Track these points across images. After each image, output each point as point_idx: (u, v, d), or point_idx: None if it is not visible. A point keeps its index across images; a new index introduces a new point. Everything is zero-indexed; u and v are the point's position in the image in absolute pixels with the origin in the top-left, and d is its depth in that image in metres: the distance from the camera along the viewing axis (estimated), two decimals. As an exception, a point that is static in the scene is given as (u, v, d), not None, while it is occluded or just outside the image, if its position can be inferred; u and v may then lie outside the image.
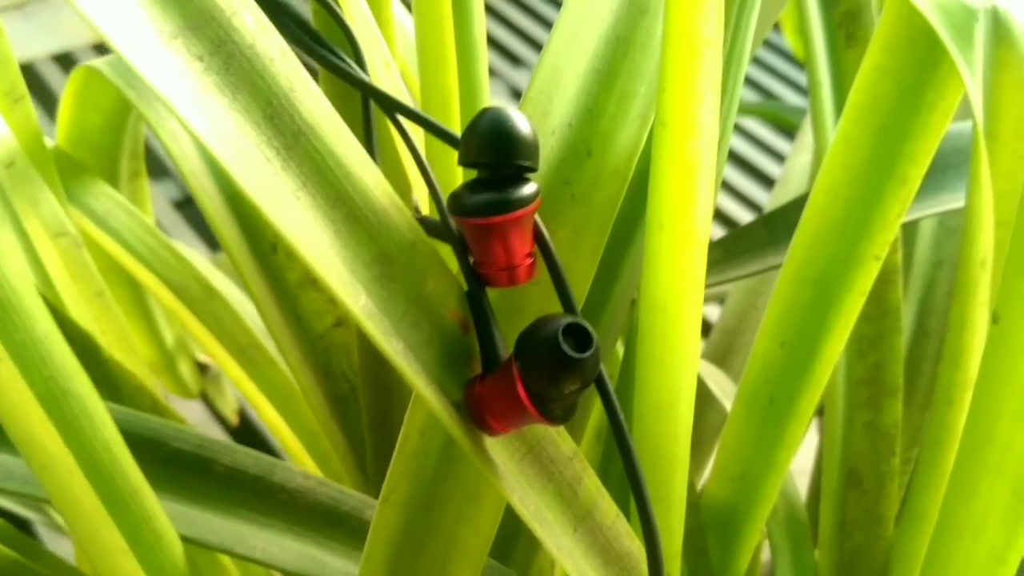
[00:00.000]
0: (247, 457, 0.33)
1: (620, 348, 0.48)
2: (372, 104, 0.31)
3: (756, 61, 1.45)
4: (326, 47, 0.30)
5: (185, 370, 0.73)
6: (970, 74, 0.37)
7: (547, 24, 1.46)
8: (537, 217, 0.28)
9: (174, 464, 0.32)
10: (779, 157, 1.26)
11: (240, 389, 0.52)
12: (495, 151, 0.26)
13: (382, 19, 0.39)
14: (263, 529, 0.33)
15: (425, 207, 0.42)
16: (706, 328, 1.04)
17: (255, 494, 0.33)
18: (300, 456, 0.52)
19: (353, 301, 0.24)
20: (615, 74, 0.31)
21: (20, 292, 0.25)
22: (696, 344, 0.32)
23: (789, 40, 0.99)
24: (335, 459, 0.46)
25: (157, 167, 1.13)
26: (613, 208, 0.31)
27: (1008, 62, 0.38)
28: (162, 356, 0.70)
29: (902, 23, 0.39)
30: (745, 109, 1.31)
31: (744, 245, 0.49)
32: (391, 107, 0.29)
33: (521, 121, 0.27)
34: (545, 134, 0.30)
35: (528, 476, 0.30)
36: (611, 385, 0.28)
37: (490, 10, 1.48)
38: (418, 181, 0.39)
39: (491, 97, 0.41)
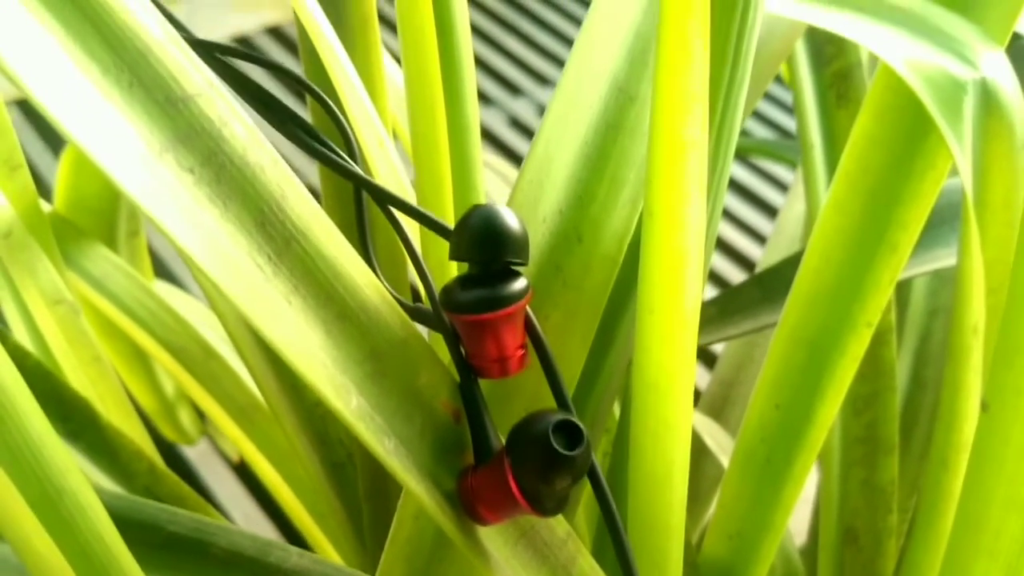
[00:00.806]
0: (243, 539, 0.33)
1: (617, 408, 0.48)
2: (364, 198, 0.32)
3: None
4: (316, 138, 0.30)
5: (185, 417, 0.74)
6: (959, 145, 0.37)
7: (544, 52, 1.46)
8: (529, 308, 0.28)
9: (170, 548, 0.33)
10: (768, 208, 1.26)
11: (239, 448, 0.53)
12: (485, 248, 0.27)
13: (375, 92, 0.40)
14: (260, 611, 0.33)
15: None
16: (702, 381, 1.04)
17: (252, 575, 0.33)
18: (299, 514, 0.52)
19: (344, 404, 0.24)
20: (605, 160, 0.31)
21: (13, 393, 0.25)
22: (688, 419, 0.33)
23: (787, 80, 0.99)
24: (332, 520, 0.46)
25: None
26: (604, 292, 0.31)
27: (997, 132, 0.38)
28: (162, 405, 0.71)
29: (891, 92, 0.39)
30: (744, 148, 1.32)
31: (738, 304, 0.49)
32: (383, 199, 0.29)
33: (511, 218, 0.27)
34: (536, 222, 0.30)
35: (523, 560, 0.30)
36: (602, 475, 0.28)
37: (487, 38, 1.48)
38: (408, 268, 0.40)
39: (484, 181, 0.41)
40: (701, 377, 1.01)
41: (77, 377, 0.45)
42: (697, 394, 1.04)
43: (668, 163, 0.26)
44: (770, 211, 1.25)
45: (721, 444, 0.53)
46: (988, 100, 0.37)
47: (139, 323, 0.51)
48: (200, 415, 0.79)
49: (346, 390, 0.25)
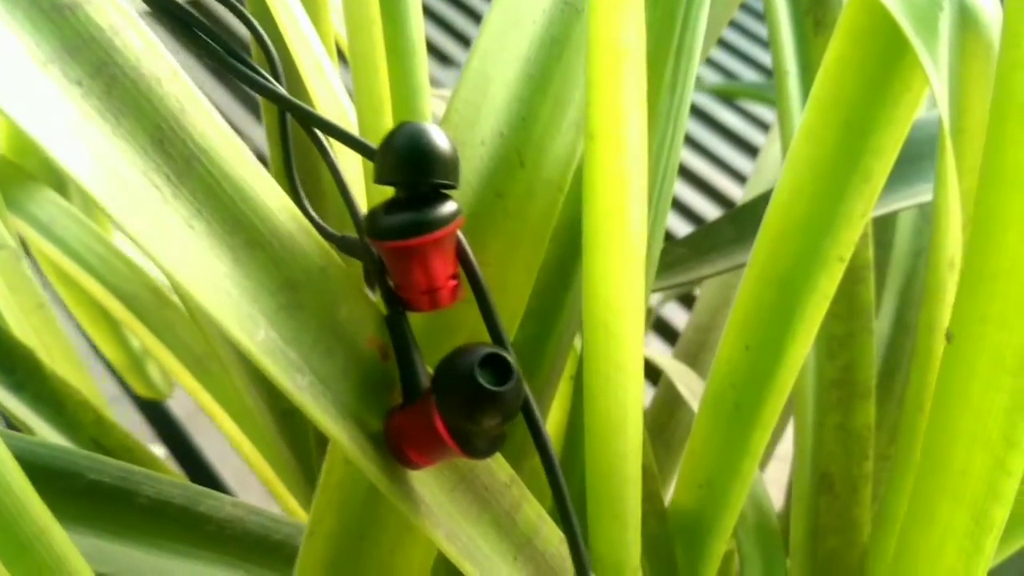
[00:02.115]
0: (172, 487, 0.31)
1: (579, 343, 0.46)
2: (288, 118, 0.30)
3: (723, 44, 1.42)
4: (234, 54, 0.28)
5: (155, 371, 0.72)
6: (934, 66, 0.35)
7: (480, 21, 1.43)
8: (461, 235, 0.26)
9: (92, 497, 0.31)
10: (749, 149, 1.24)
11: (196, 399, 0.51)
12: (411, 169, 0.25)
13: (317, 15, 0.37)
14: (190, 562, 0.31)
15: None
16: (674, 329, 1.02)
17: (181, 526, 0.31)
18: (260, 466, 0.51)
19: (249, 336, 0.23)
20: (549, 78, 0.29)
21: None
22: (639, 360, 0.31)
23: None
24: (288, 472, 0.44)
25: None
26: (549, 221, 0.29)
27: (974, 52, 0.36)
28: (129, 359, 0.69)
29: (865, 11, 0.37)
30: (731, 90, 1.29)
31: (711, 242, 0.47)
32: (305, 119, 0.27)
33: (439, 136, 0.25)
34: (473, 144, 0.28)
35: (461, 506, 0.28)
36: (539, 413, 0.26)
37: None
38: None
39: (438, 99, 0.39)
40: (680, 320, 1.00)
41: (20, 325, 0.44)
42: (674, 339, 1.02)
43: (605, 74, 0.24)
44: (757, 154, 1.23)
45: (695, 391, 0.51)
46: (965, 17, 0.35)
47: (86, 268, 0.49)
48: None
49: (253, 322, 0.23)
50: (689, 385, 0.50)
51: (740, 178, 1.21)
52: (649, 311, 1.12)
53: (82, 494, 0.31)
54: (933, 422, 0.27)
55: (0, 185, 0.45)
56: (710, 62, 1.41)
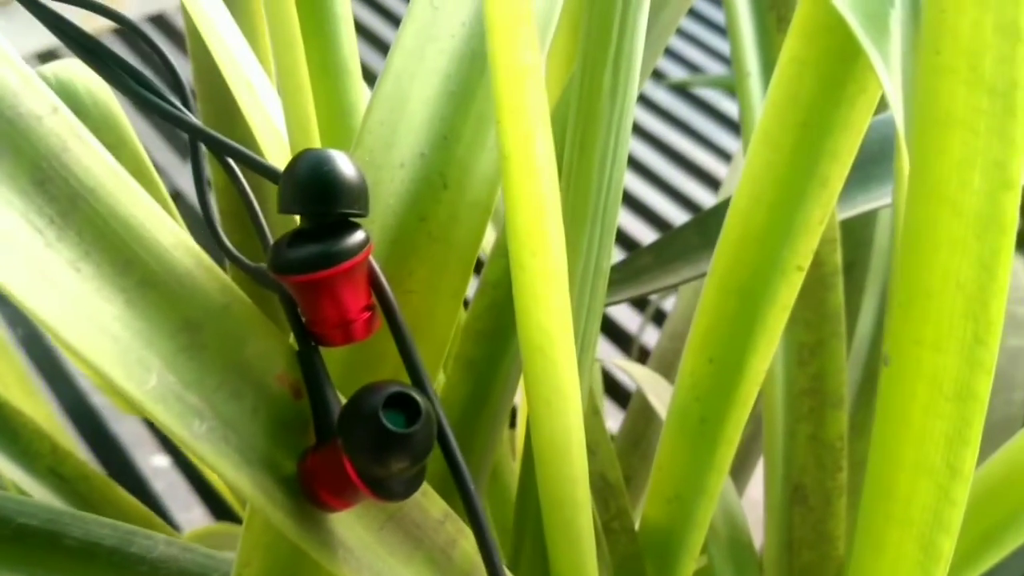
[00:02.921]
0: (101, 527, 0.30)
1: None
2: (199, 146, 0.28)
3: (682, 33, 1.40)
4: (144, 84, 0.27)
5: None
6: (885, 66, 0.33)
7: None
8: (375, 264, 0.25)
9: (21, 540, 0.30)
10: (723, 154, 1.22)
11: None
12: (314, 199, 0.24)
13: (255, 34, 0.36)
14: (121, 605, 0.30)
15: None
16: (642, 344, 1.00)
17: (112, 567, 0.30)
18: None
19: (137, 384, 0.21)
20: (471, 95, 0.28)
21: None
22: (575, 384, 0.30)
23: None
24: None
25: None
26: (475, 243, 0.28)
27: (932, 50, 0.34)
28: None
29: (821, 9, 0.36)
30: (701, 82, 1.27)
31: (676, 250, 0.46)
32: (210, 144, 0.26)
33: (343, 163, 0.24)
34: (391, 167, 0.27)
35: (390, 546, 0.27)
36: (456, 448, 0.25)
37: (381, 10, 1.44)
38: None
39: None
40: (651, 335, 0.98)
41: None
42: (646, 351, 1.01)
43: (511, 94, 0.22)
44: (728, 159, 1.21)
45: (666, 402, 0.49)
46: (918, 14, 0.34)
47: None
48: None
49: (145, 367, 0.22)
50: (661, 396, 0.49)
51: (714, 184, 1.19)
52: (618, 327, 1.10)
53: (11, 538, 0.30)
54: (877, 448, 0.26)
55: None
56: (671, 55, 1.39)
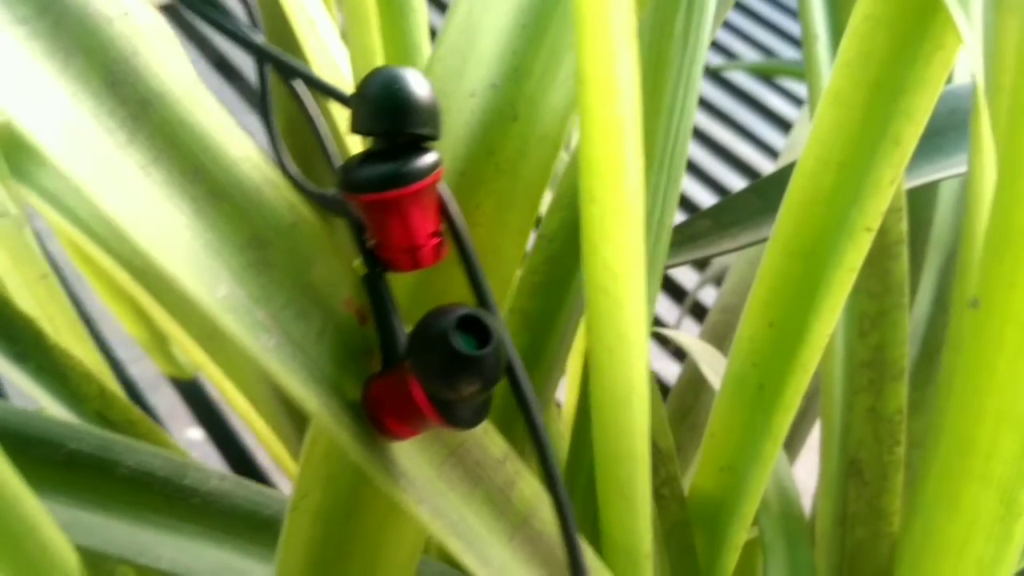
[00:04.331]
0: (154, 458, 0.30)
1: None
2: (267, 70, 0.28)
3: (752, 14, 1.39)
4: (215, 6, 0.26)
5: (179, 350, 0.71)
6: (966, 20, 0.32)
7: None
8: (446, 190, 0.25)
9: (72, 467, 0.30)
10: (782, 123, 1.22)
11: (205, 373, 0.50)
12: (387, 118, 0.23)
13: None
14: (173, 536, 0.30)
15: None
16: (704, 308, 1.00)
17: (164, 498, 0.30)
18: (269, 441, 0.50)
19: (207, 291, 0.21)
20: (544, 28, 0.27)
21: None
22: (643, 330, 0.29)
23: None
24: (298, 444, 0.43)
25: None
26: (544, 178, 0.27)
27: (1009, 6, 0.33)
28: (153, 336, 0.68)
29: (897, -34, 0.35)
30: (750, 67, 1.26)
31: (735, 215, 0.45)
32: (282, 69, 0.25)
33: (417, 83, 0.23)
34: (462, 96, 0.27)
35: (450, 482, 0.27)
36: (525, 378, 0.24)
37: None
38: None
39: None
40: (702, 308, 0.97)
41: (23, 296, 0.43)
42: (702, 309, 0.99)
43: (592, 12, 0.22)
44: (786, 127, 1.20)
45: (720, 373, 0.48)
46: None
47: (97, 241, 0.48)
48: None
49: (215, 276, 0.22)
50: (714, 365, 0.48)
51: (772, 152, 1.18)
52: (685, 293, 1.09)
53: (63, 464, 0.29)
54: (958, 400, 0.25)
55: (4, 152, 0.44)
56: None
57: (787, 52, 1.30)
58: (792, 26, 1.38)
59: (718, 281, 0.95)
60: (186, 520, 0.30)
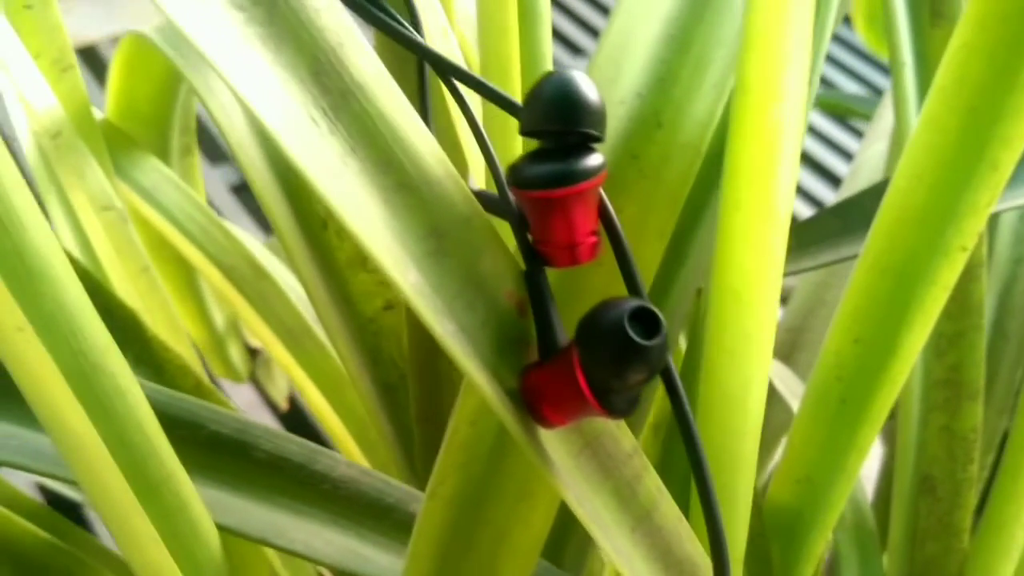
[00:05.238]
0: (289, 443, 0.31)
1: (682, 341, 0.45)
2: (427, 72, 0.29)
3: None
4: (379, 6, 0.28)
5: (235, 353, 0.72)
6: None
7: (607, 13, 1.43)
8: (603, 192, 0.26)
9: (212, 448, 0.31)
10: (840, 151, 1.23)
11: (288, 373, 0.51)
12: (560, 118, 0.24)
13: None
14: (305, 520, 0.31)
15: (481, 185, 0.40)
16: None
17: (297, 483, 0.31)
18: (347, 444, 0.51)
19: (403, 278, 0.22)
20: (690, 39, 0.29)
21: (48, 259, 0.24)
22: (771, 335, 0.30)
23: (858, 28, 0.95)
24: (382, 448, 0.44)
25: (215, 151, 1.13)
26: (685, 184, 0.29)
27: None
28: (211, 337, 0.69)
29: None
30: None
31: (814, 235, 0.46)
32: (448, 71, 0.27)
33: (588, 86, 0.24)
34: (613, 103, 0.28)
35: (585, 473, 0.28)
36: (678, 375, 0.26)
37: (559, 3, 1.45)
38: (475, 162, 0.37)
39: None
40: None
41: (124, 287, 0.44)
42: None
43: (768, 19, 0.23)
44: (845, 155, 1.21)
45: (791, 388, 0.50)
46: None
47: (189, 237, 0.49)
48: (251, 354, 0.77)
49: (404, 263, 0.23)
50: (785, 380, 0.50)
51: (826, 174, 1.19)
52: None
53: (203, 444, 0.30)
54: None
55: (107, 150, 0.45)
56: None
57: (845, 84, 1.31)
58: (845, 56, 1.39)
59: (783, 301, 0.96)
60: (316, 506, 0.31)
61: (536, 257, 0.26)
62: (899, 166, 0.39)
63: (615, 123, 0.28)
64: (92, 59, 1.22)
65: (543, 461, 0.25)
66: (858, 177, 0.59)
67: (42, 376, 0.23)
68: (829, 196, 1.13)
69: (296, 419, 0.90)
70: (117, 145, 0.48)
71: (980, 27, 0.37)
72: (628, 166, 0.28)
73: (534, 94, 0.25)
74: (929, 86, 0.38)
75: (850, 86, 1.32)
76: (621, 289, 0.27)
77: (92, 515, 0.80)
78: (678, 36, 0.28)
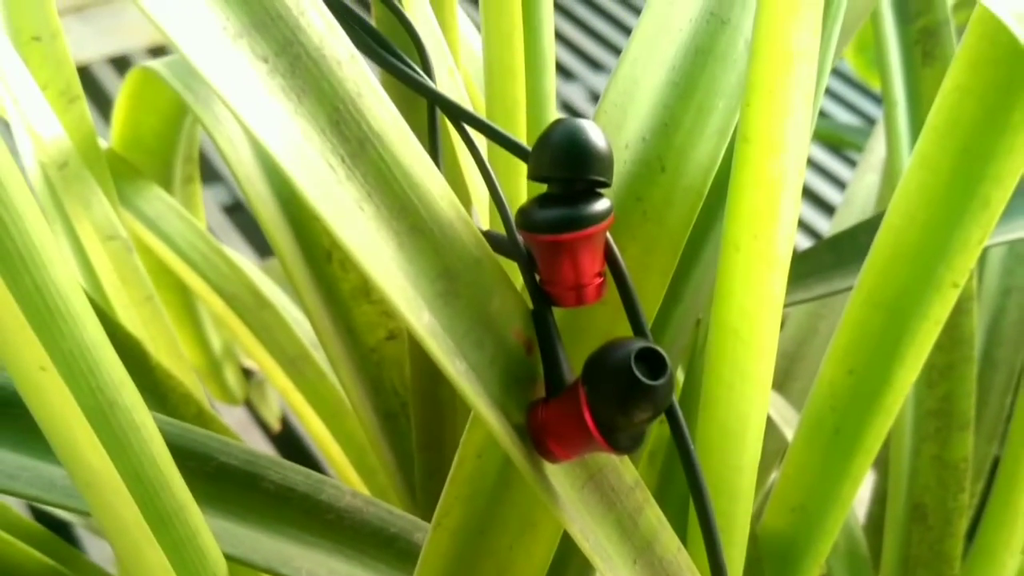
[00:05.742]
0: (296, 474, 0.32)
1: (680, 374, 0.46)
2: (437, 115, 0.30)
3: None
4: (392, 51, 0.29)
5: (231, 377, 0.73)
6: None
7: (627, 30, 1.44)
8: (608, 235, 0.27)
9: (220, 479, 0.31)
10: (833, 179, 1.23)
11: (287, 400, 0.51)
12: (568, 165, 0.25)
13: (446, 26, 0.38)
14: (310, 549, 0.31)
15: (485, 224, 0.40)
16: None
17: (303, 513, 0.32)
18: (345, 471, 0.51)
19: (416, 319, 0.23)
20: (693, 87, 0.30)
21: (69, 298, 0.24)
22: (769, 372, 0.31)
23: (850, 60, 0.96)
24: (382, 476, 0.45)
25: (207, 170, 1.13)
26: (686, 226, 0.30)
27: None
28: (209, 362, 0.70)
29: (987, 42, 0.37)
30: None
31: (809, 267, 0.47)
32: (458, 115, 0.28)
33: (596, 134, 0.25)
34: (618, 148, 0.29)
35: (589, 505, 0.28)
36: (681, 413, 0.26)
37: (569, 15, 1.46)
38: (478, 197, 0.38)
39: (559, 110, 0.39)
40: None
41: (128, 316, 0.44)
42: None
43: (772, 74, 0.24)
44: (837, 183, 1.21)
45: (785, 417, 0.51)
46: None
47: (192, 265, 0.50)
48: (246, 375, 0.78)
49: (417, 305, 0.24)
50: (777, 408, 0.50)
51: (819, 202, 1.20)
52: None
53: (211, 476, 0.31)
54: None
55: (112, 179, 0.46)
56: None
57: (835, 111, 1.32)
58: (842, 88, 1.40)
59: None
60: (321, 535, 0.32)
61: (544, 297, 0.27)
62: (892, 204, 0.40)
63: (620, 166, 0.29)
64: (85, 80, 1.22)
65: (548, 494, 0.26)
66: (851, 207, 0.60)
67: (63, 414, 0.24)
68: (822, 224, 1.14)
69: (288, 440, 0.91)
70: (122, 174, 0.49)
71: (972, 70, 0.38)
72: (632, 208, 0.29)
73: (543, 141, 0.25)
74: (921, 123, 0.39)
75: (840, 113, 1.33)
76: (625, 327, 0.28)
77: (82, 533, 0.81)
78: (681, 83, 0.29)
